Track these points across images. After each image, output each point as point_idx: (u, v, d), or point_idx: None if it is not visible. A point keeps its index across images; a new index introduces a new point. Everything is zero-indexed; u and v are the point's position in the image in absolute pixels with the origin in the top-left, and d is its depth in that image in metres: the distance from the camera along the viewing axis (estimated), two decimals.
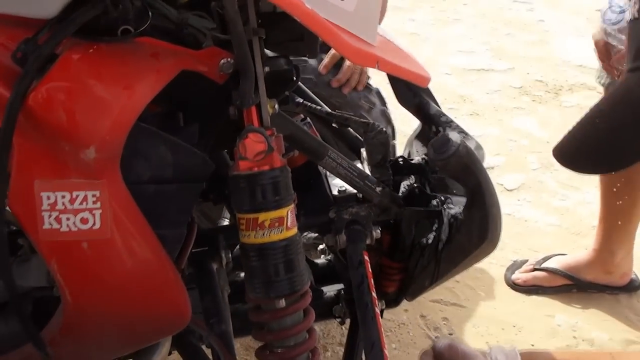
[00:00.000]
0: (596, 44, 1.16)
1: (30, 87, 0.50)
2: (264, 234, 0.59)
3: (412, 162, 0.87)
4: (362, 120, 0.83)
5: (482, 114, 2.26)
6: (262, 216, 0.58)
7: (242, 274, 0.85)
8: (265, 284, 0.61)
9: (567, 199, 1.77)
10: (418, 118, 0.91)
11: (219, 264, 0.78)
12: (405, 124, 1.33)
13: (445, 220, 0.80)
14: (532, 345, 1.30)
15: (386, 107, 1.27)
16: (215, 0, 0.60)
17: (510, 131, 2.14)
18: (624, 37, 1.05)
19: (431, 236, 0.82)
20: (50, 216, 0.52)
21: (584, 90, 2.40)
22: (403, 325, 1.34)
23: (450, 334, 1.32)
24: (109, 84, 0.52)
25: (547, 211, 1.73)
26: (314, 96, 0.93)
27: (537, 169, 1.92)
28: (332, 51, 1.21)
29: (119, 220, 0.54)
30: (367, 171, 0.83)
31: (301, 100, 0.84)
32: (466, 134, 0.84)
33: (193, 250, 0.68)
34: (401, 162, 0.87)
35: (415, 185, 0.85)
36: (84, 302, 0.57)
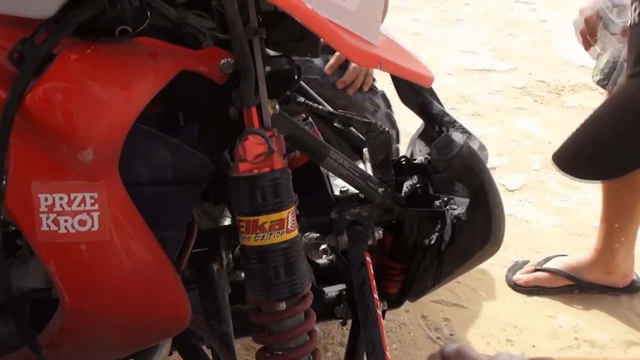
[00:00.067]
0: (587, 20, 1.16)
1: (27, 88, 0.50)
2: (264, 237, 0.58)
3: (415, 162, 0.86)
4: (364, 120, 0.83)
5: (484, 114, 2.26)
6: (262, 219, 0.58)
7: (243, 274, 0.85)
8: (266, 286, 0.60)
9: (569, 200, 1.77)
10: (421, 117, 0.90)
11: (220, 264, 0.77)
12: (407, 124, 1.33)
13: (448, 221, 0.79)
14: (533, 346, 1.30)
15: (391, 110, 1.27)
16: None
17: (512, 131, 2.14)
18: (618, 20, 1.06)
19: (434, 237, 0.82)
20: (48, 218, 0.52)
21: (586, 91, 2.39)
22: (404, 326, 1.33)
23: (451, 335, 1.32)
24: (107, 84, 0.51)
25: (549, 212, 1.73)
26: (316, 95, 0.93)
27: (538, 170, 1.91)
28: (338, 52, 1.21)
29: (118, 222, 0.54)
30: (369, 171, 0.83)
31: (303, 100, 0.84)
32: (469, 133, 0.84)
33: (193, 251, 0.67)
34: (404, 162, 0.86)
35: (418, 185, 0.84)
36: (82, 304, 0.57)
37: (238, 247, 0.77)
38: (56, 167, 0.51)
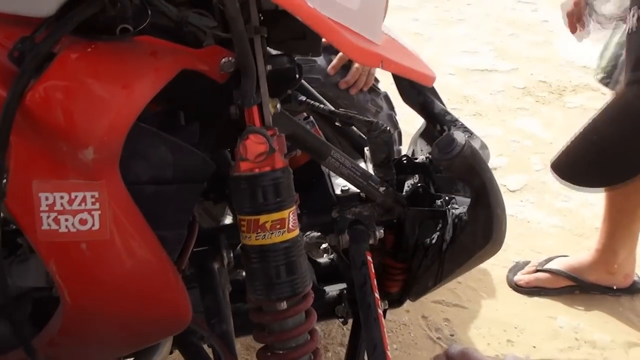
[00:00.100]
0: (575, 4, 1.16)
1: (28, 86, 0.49)
2: (265, 236, 0.58)
3: (416, 161, 0.86)
4: (365, 118, 0.83)
5: (485, 114, 2.26)
6: (263, 218, 0.58)
7: (244, 273, 0.85)
8: (267, 286, 0.60)
9: (570, 201, 1.76)
10: (422, 117, 0.90)
11: (220, 263, 0.77)
12: (409, 124, 1.32)
13: (450, 220, 0.79)
14: (534, 347, 1.30)
15: (394, 111, 1.27)
16: None
17: (513, 132, 2.14)
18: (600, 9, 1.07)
19: (435, 236, 0.82)
20: (48, 217, 0.52)
21: (588, 91, 2.39)
22: (404, 326, 1.33)
23: (452, 335, 1.32)
24: (108, 83, 0.51)
25: (550, 212, 1.73)
26: (317, 94, 0.93)
27: (540, 170, 1.91)
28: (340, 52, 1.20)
29: (118, 221, 0.53)
30: (371, 170, 0.82)
31: (304, 99, 0.83)
32: (471, 133, 0.84)
33: (194, 250, 0.67)
34: (405, 161, 0.86)
35: (419, 184, 0.84)
36: (83, 303, 0.57)
37: (239, 246, 0.77)
38: (57, 166, 0.51)
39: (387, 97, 1.28)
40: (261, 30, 0.60)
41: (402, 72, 0.68)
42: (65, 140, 0.50)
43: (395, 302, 0.92)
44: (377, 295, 0.75)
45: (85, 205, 0.52)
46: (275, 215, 0.58)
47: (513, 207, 1.73)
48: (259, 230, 0.58)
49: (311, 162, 0.81)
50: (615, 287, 1.41)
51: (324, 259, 0.96)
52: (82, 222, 0.52)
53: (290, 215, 0.59)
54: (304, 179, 0.77)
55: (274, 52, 0.68)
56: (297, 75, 0.68)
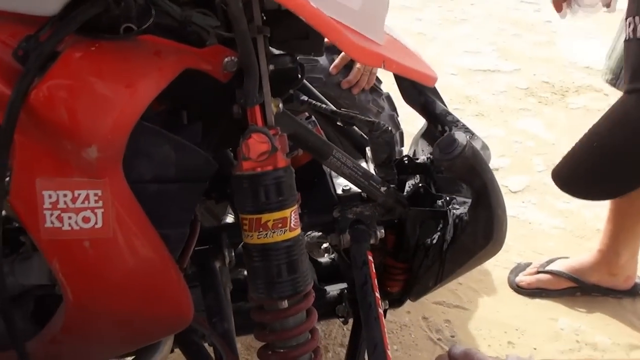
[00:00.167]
0: None
1: (32, 85, 0.50)
2: (266, 235, 0.58)
3: (418, 161, 0.86)
4: (367, 119, 0.83)
5: (488, 114, 2.25)
6: (265, 217, 0.58)
7: (245, 272, 0.85)
8: (268, 284, 0.60)
9: (572, 202, 1.76)
10: (424, 117, 0.90)
11: (222, 262, 0.78)
12: (410, 125, 1.33)
13: (450, 220, 0.79)
14: (535, 348, 1.30)
15: (396, 112, 1.27)
16: None
17: (515, 132, 2.13)
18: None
19: (436, 236, 0.82)
20: (52, 215, 0.52)
21: (591, 92, 2.39)
22: (405, 327, 1.33)
23: (452, 337, 1.32)
24: (111, 82, 0.52)
25: (552, 214, 1.72)
26: (319, 94, 0.93)
27: (542, 171, 1.91)
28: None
29: (121, 220, 0.54)
30: (372, 170, 0.83)
31: (306, 99, 0.84)
32: (472, 133, 0.84)
33: (196, 249, 0.67)
34: (406, 162, 0.86)
35: (421, 185, 0.84)
36: (86, 301, 0.57)
37: (240, 245, 0.78)
38: (60, 164, 0.52)
39: (389, 98, 1.28)
40: (264, 30, 0.60)
41: (403, 72, 0.68)
42: (69, 138, 0.51)
43: (395, 302, 0.92)
44: (377, 294, 0.76)
45: (89, 203, 0.52)
46: (277, 214, 0.58)
47: (515, 208, 1.73)
48: (261, 229, 0.58)
49: (313, 161, 0.81)
50: (616, 289, 1.41)
51: (325, 259, 0.96)
52: (85, 220, 0.52)
53: (292, 214, 0.59)
54: (306, 178, 0.77)
55: (276, 51, 0.68)
56: (300, 75, 0.68)
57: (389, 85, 1.22)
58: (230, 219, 1.01)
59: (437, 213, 0.81)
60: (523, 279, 1.46)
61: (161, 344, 0.74)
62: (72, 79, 0.50)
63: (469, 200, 0.78)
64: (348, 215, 0.79)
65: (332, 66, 1.21)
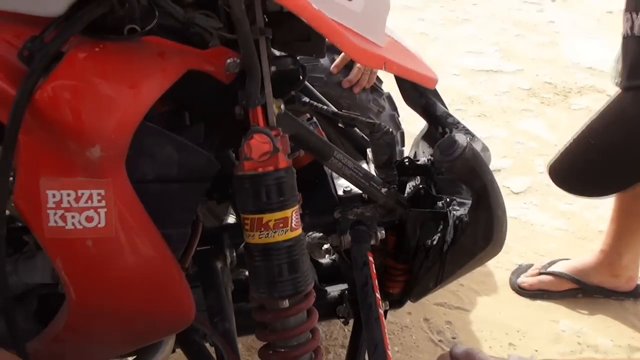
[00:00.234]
0: None
1: (37, 85, 0.50)
2: (268, 235, 0.59)
3: (418, 163, 0.86)
4: (368, 120, 0.83)
5: (490, 115, 2.25)
6: (267, 217, 0.58)
7: (246, 272, 0.86)
8: (269, 284, 0.61)
9: (574, 203, 1.76)
10: (424, 119, 0.91)
11: (223, 262, 0.78)
12: (411, 125, 1.33)
13: (451, 221, 0.79)
14: (536, 350, 1.29)
15: (396, 112, 1.27)
16: None
17: (517, 133, 2.13)
18: None
19: (436, 237, 0.82)
20: (55, 214, 0.52)
21: (593, 93, 2.38)
22: (406, 328, 1.33)
23: (454, 338, 1.32)
24: (115, 82, 0.52)
25: (554, 215, 1.72)
26: (320, 95, 0.93)
27: (544, 172, 1.90)
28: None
29: (124, 219, 0.54)
30: (373, 172, 0.83)
31: (307, 100, 0.84)
32: (473, 135, 0.84)
33: (198, 249, 0.68)
34: (407, 163, 0.86)
35: (421, 186, 0.85)
36: (88, 299, 0.57)
37: (241, 245, 0.78)
38: (64, 164, 0.52)
39: (389, 98, 1.28)
40: (266, 32, 0.60)
41: (404, 74, 0.69)
42: (73, 138, 0.51)
43: (396, 302, 0.92)
44: (378, 295, 0.76)
45: (92, 202, 0.53)
46: (279, 214, 0.59)
47: (516, 209, 1.72)
48: (262, 229, 0.59)
49: (314, 162, 0.81)
50: (618, 291, 1.40)
51: (325, 260, 0.97)
52: (88, 219, 0.53)
53: (293, 214, 0.60)
54: (307, 179, 0.77)
55: (278, 53, 0.68)
56: (301, 77, 0.68)
57: (389, 85, 1.23)
58: (231, 219, 1.01)
59: (438, 214, 0.81)
60: (525, 280, 1.46)
61: (163, 343, 0.74)
62: (76, 80, 0.51)
63: (469, 202, 0.78)
64: (349, 216, 0.79)
65: (333, 65, 1.21)
